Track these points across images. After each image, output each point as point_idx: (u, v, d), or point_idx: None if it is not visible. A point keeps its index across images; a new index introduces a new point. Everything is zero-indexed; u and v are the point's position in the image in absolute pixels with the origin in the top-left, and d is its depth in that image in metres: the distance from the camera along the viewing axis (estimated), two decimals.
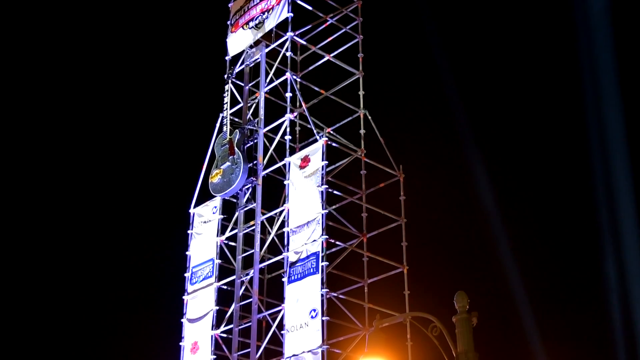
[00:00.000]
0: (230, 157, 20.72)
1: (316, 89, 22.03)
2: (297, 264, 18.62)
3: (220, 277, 20.73)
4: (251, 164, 20.65)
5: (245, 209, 20.74)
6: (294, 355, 17.75)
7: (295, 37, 21.83)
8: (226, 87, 22.04)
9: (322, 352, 17.23)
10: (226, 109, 21.64)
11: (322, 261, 18.06)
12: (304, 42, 22.48)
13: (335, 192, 19.70)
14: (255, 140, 21.08)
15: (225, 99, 21.82)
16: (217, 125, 22.24)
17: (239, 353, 19.85)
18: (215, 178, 20.97)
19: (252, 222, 20.51)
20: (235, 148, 20.72)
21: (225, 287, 20.75)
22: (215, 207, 21.27)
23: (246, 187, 20.72)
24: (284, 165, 20.31)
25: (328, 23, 22.52)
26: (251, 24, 22.75)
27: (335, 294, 18.64)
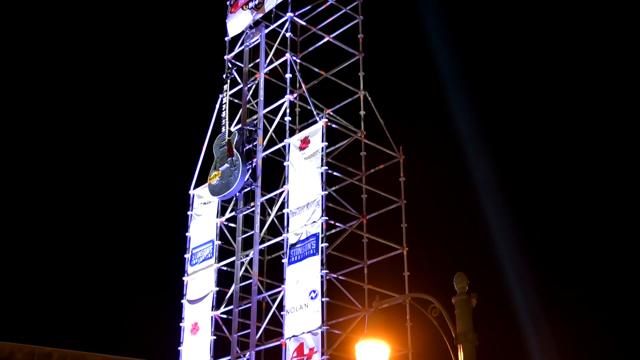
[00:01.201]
0: (229, 158, 20.53)
1: (316, 70, 21.97)
2: (297, 245, 18.64)
3: (220, 259, 20.77)
4: (250, 166, 20.44)
5: (244, 212, 20.61)
6: (293, 336, 17.80)
7: (295, 18, 21.72)
8: (225, 86, 21.75)
9: (322, 332, 17.28)
10: (225, 109, 21.34)
11: (322, 242, 18.07)
12: (304, 23, 22.37)
13: (335, 173, 19.69)
14: (255, 143, 20.95)
15: (224, 96, 21.55)
16: (217, 106, 22.20)
17: (239, 334, 19.91)
18: (214, 180, 20.71)
19: (252, 204, 20.50)
20: (234, 149, 20.54)
21: (225, 268, 20.79)
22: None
23: (245, 190, 20.57)
24: (284, 146, 20.28)
25: (328, 4, 22.39)
26: (251, 4, 22.63)
27: (335, 275, 18.68)
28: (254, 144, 20.70)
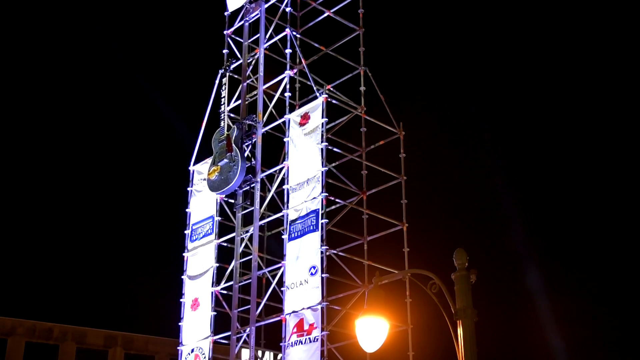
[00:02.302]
0: (228, 154, 20.33)
1: (316, 45, 21.84)
2: (297, 222, 18.63)
3: (220, 235, 20.77)
4: (249, 164, 20.21)
5: (244, 212, 20.52)
6: (293, 311, 17.84)
7: None
8: (223, 80, 21.46)
9: (322, 308, 17.32)
10: (224, 102, 21.12)
11: (322, 219, 18.06)
12: None
13: (335, 149, 19.64)
14: (254, 139, 20.81)
15: (222, 92, 21.30)
16: (217, 81, 22.10)
17: (239, 309, 19.96)
18: (213, 175, 20.57)
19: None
20: (234, 145, 20.38)
21: (225, 244, 20.80)
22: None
23: (244, 188, 20.42)
24: (284, 122, 20.21)
25: None
26: None
27: (334, 251, 18.69)
28: (254, 140, 20.47)
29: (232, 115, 21.51)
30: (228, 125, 20.82)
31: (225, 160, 20.32)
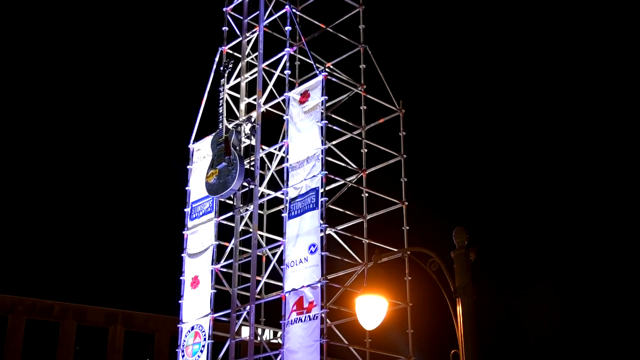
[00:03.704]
0: (227, 157, 20.10)
1: (316, 23, 21.72)
2: (297, 200, 18.63)
3: (220, 213, 20.76)
4: (247, 166, 20.00)
5: (243, 214, 20.43)
6: (293, 289, 17.89)
7: None
8: (222, 81, 21.22)
9: (321, 286, 17.36)
10: (222, 104, 20.82)
11: (322, 197, 18.06)
12: None
13: (335, 127, 19.59)
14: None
15: (220, 94, 21.11)
16: (216, 59, 22.02)
17: (239, 287, 20.01)
18: (211, 178, 20.34)
19: (251, 158, 20.43)
20: (232, 148, 20.20)
21: (225, 222, 20.81)
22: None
23: (243, 190, 20.25)
24: (284, 100, 20.15)
25: None
26: None
27: (334, 230, 18.71)
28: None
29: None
30: (226, 127, 20.59)
31: (224, 164, 20.10)
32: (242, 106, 21.62)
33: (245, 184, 20.05)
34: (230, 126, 20.77)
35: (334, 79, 19.81)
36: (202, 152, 21.80)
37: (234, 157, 19.97)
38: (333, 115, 20.07)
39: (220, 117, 20.76)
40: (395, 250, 17.10)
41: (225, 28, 22.50)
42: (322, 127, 18.62)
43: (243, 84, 21.76)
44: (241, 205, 20.33)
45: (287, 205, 18.83)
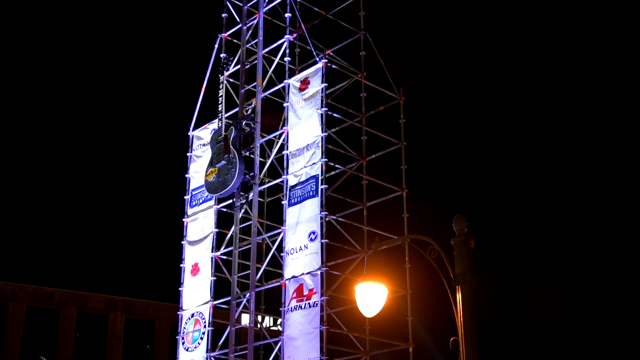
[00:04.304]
0: (226, 155, 20.01)
1: (316, 9, 21.65)
2: (297, 187, 18.61)
3: (219, 200, 20.75)
4: (247, 173, 19.88)
5: (242, 211, 20.35)
6: (293, 277, 17.89)
7: None
8: (221, 78, 20.98)
9: (321, 274, 17.36)
10: (221, 102, 20.68)
11: (322, 184, 18.04)
12: None
13: (335, 114, 19.55)
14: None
15: (220, 91, 20.97)
16: (216, 46, 21.97)
17: (238, 275, 20.02)
18: (211, 177, 20.25)
19: (251, 145, 20.38)
20: (231, 147, 20.08)
21: (224, 209, 20.80)
22: (214, 129, 21.09)
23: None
24: (284, 87, 20.10)
25: None
26: None
27: (334, 217, 18.70)
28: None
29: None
30: (225, 125, 20.52)
31: (223, 162, 20.03)
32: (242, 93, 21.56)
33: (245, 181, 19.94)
34: (227, 115, 20.68)
35: (334, 66, 19.75)
36: (202, 139, 21.78)
37: (233, 156, 19.88)
38: (333, 103, 20.04)
39: (220, 114, 20.65)
40: (395, 237, 17.09)
41: (224, 15, 22.42)
42: (322, 114, 18.59)
43: (242, 71, 21.69)
44: (242, 194, 20.29)
45: (287, 192, 18.82)
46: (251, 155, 20.22)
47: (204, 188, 21.03)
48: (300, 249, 17.99)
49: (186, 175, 21.97)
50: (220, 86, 20.88)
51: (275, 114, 20.83)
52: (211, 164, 20.49)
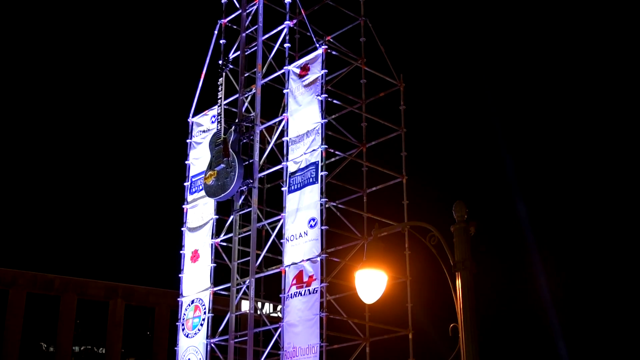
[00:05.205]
0: (225, 159, 19.89)
1: None
2: (297, 174, 18.59)
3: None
4: (246, 163, 19.73)
5: (241, 212, 20.25)
6: (293, 263, 17.90)
7: None
8: (220, 80, 20.96)
9: (321, 260, 17.37)
10: (220, 104, 20.58)
11: (322, 171, 18.02)
12: None
13: (334, 101, 19.51)
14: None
15: (219, 93, 20.84)
16: (215, 32, 21.90)
17: (238, 261, 20.03)
18: (210, 180, 20.15)
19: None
20: (230, 150, 19.95)
21: None
22: (214, 116, 21.06)
23: (241, 190, 20.03)
24: (283, 74, 20.05)
25: None
26: None
27: (334, 204, 18.69)
28: (250, 160, 19.90)
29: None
30: (225, 128, 20.36)
31: (222, 165, 19.92)
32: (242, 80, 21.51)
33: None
34: (227, 101, 20.61)
35: (334, 53, 19.69)
36: (202, 126, 21.75)
37: (233, 160, 19.79)
38: (333, 89, 19.99)
39: (219, 117, 20.53)
40: (395, 224, 17.07)
41: (224, 0, 22.35)
42: (321, 100, 18.54)
43: (242, 57, 21.62)
44: (238, 209, 20.20)
45: (287, 179, 18.80)
46: (250, 160, 20.06)
47: (204, 175, 20.99)
48: (300, 235, 17.99)
49: (186, 162, 21.94)
50: (220, 88, 20.75)
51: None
52: (210, 167, 20.37)
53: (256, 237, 19.58)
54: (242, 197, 20.02)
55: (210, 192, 20.21)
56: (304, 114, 18.90)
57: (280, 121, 19.82)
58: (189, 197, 21.47)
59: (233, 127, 20.31)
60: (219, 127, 20.43)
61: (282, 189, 18.94)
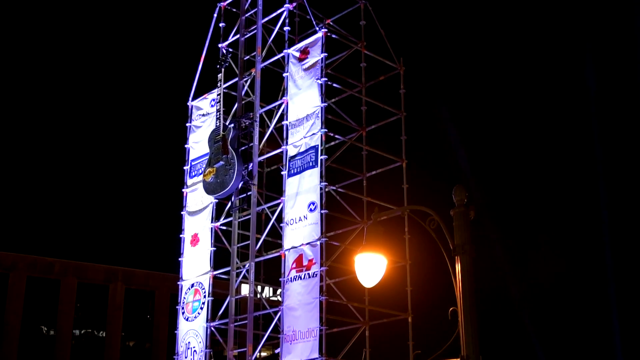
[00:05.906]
0: (224, 156, 19.74)
1: None
2: (296, 158, 18.57)
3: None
4: (245, 168, 19.58)
5: (241, 182, 20.19)
6: (292, 247, 17.91)
7: None
8: (219, 76, 20.70)
9: (321, 244, 17.37)
10: (219, 101, 20.46)
11: (321, 155, 18.00)
12: None
13: (334, 85, 19.45)
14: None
15: (217, 89, 20.62)
16: (215, 15, 21.82)
17: (238, 245, 20.05)
18: (209, 177, 20.00)
19: (251, 115, 20.29)
20: (229, 147, 19.83)
21: None
22: (214, 99, 21.00)
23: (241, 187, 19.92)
24: (283, 57, 19.98)
25: None
26: None
27: (334, 187, 18.68)
28: (250, 145, 19.82)
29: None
30: (224, 125, 20.24)
31: (222, 162, 19.82)
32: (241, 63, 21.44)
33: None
34: (227, 85, 20.55)
35: (333, 36, 19.62)
36: (201, 110, 21.70)
37: (232, 157, 19.73)
38: (333, 73, 19.92)
39: (218, 113, 20.43)
40: (395, 208, 17.06)
41: None
42: (321, 84, 18.49)
43: (242, 41, 21.54)
44: (237, 208, 20.14)
45: (287, 163, 18.78)
46: (250, 144, 19.97)
47: (204, 158, 20.98)
48: (300, 219, 17.99)
49: (185, 146, 21.91)
50: (219, 84, 20.64)
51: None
52: (209, 163, 20.28)
53: (256, 221, 19.58)
54: (242, 181, 19.95)
55: (209, 189, 20.14)
56: (303, 98, 18.86)
57: (280, 105, 19.78)
58: (189, 181, 21.45)
59: (232, 123, 20.24)
60: (217, 124, 20.34)
61: (282, 172, 18.92)
